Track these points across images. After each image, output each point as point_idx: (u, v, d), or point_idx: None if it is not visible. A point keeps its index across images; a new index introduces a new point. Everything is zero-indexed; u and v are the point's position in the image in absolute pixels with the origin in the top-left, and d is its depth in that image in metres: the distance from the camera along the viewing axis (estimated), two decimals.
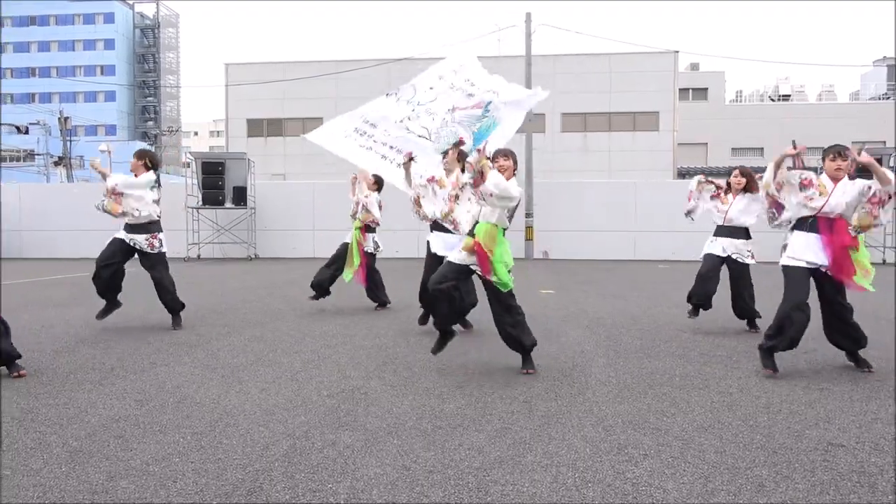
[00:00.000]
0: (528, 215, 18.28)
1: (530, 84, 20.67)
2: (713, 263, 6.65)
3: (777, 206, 4.88)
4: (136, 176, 6.62)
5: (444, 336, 4.94)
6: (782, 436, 3.46)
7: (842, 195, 4.67)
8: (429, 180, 5.71)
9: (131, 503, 2.67)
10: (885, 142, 29.15)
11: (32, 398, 4.16)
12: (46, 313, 7.85)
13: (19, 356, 4.77)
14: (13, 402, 4.06)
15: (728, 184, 6.64)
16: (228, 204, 18.11)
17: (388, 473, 2.95)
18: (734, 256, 6.55)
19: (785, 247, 4.82)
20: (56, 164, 44.60)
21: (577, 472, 2.97)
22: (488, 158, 4.65)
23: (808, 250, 4.68)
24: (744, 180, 6.53)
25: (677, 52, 32.20)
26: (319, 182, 20.75)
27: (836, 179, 4.73)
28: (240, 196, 18.08)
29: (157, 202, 6.69)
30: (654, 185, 19.79)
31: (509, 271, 4.79)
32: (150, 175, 6.65)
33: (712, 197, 6.71)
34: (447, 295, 4.77)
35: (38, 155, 48.23)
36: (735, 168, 6.76)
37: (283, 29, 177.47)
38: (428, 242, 6.65)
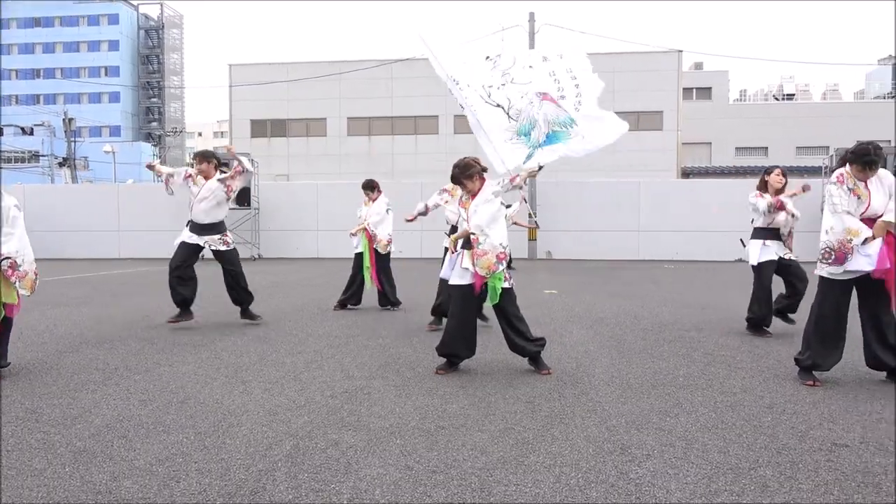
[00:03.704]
0: (532, 215, 18.28)
1: None
2: (772, 273, 6.41)
3: (842, 255, 4.35)
4: (206, 178, 6.86)
5: (452, 363, 4.95)
6: (786, 436, 3.45)
7: (879, 193, 4.35)
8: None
9: (135, 503, 2.68)
10: (889, 141, 29.03)
11: (36, 398, 4.17)
12: (51, 313, 7.87)
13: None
14: (17, 403, 4.08)
15: (764, 182, 6.42)
16: (232, 204, 18.08)
17: (391, 473, 2.95)
18: (786, 256, 6.42)
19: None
20: (60, 165, 44.74)
21: (581, 473, 2.96)
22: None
23: (862, 258, 4.30)
24: (784, 181, 6.40)
25: (681, 51, 32.15)
26: (322, 182, 20.81)
27: (864, 179, 4.38)
28: (243, 196, 18.10)
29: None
30: (659, 184, 19.75)
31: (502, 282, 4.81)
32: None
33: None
34: (463, 337, 4.85)
35: (42, 156, 48.42)
36: (776, 167, 6.53)
37: (286, 30, 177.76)
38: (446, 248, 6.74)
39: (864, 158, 4.33)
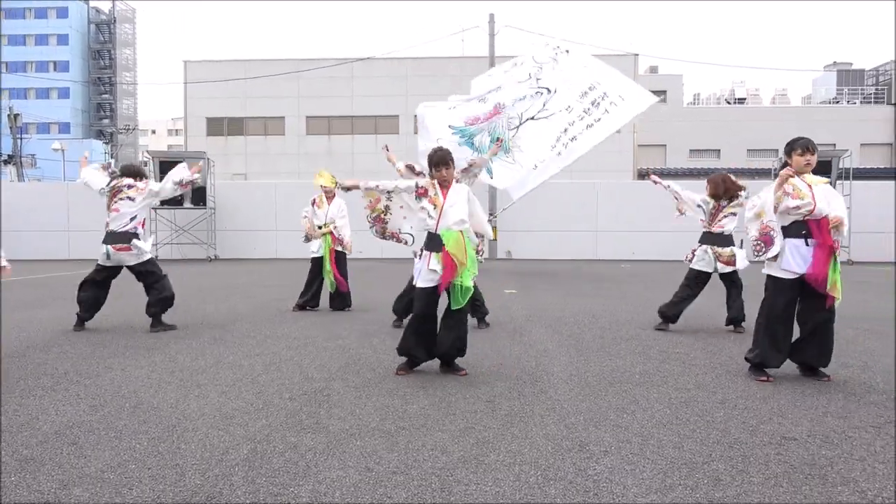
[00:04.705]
0: (492, 215, 18.38)
1: None
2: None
3: (768, 239, 4.52)
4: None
5: (412, 362, 4.87)
6: (738, 430, 3.54)
7: (823, 199, 4.48)
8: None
9: None
10: (835, 144, 30.06)
11: None
12: None
13: None
14: None
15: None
16: (187, 204, 17.78)
17: (351, 475, 2.92)
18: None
19: (775, 256, 4.52)
20: (6, 162, 43.04)
21: (540, 470, 2.99)
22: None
23: (801, 259, 4.44)
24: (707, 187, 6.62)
25: (637, 54, 32.77)
26: (281, 182, 20.55)
27: (803, 174, 4.53)
28: (199, 196, 17.76)
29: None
30: (615, 185, 20.09)
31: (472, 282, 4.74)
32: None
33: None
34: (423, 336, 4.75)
35: None
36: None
37: (243, 27, 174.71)
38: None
39: (800, 141, 4.53)
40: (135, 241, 6.49)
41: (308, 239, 8.19)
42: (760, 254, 4.59)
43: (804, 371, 4.73)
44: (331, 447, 3.27)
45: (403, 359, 4.91)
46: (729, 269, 6.50)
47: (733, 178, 6.64)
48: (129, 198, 6.53)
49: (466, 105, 10.76)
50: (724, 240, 6.51)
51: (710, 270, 6.57)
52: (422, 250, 4.73)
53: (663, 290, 10.75)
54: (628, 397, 4.20)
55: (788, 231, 4.53)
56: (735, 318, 6.60)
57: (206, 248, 18.34)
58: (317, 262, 8.10)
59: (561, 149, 10.55)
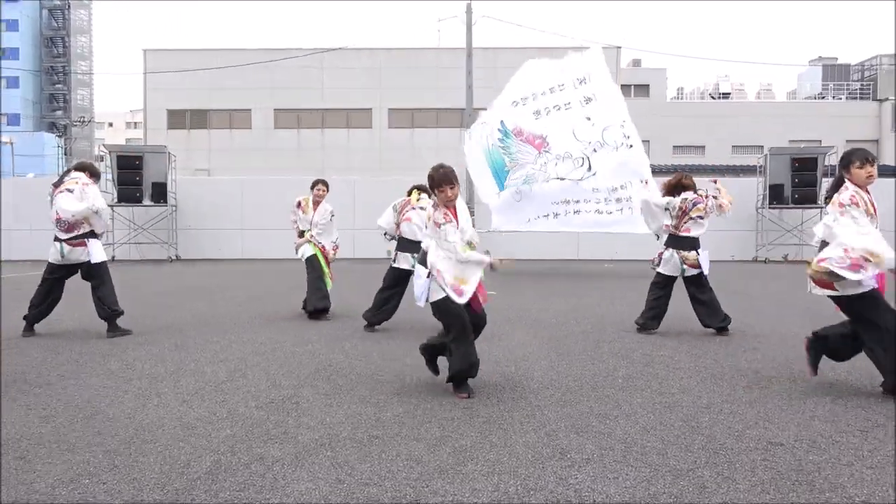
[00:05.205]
0: (471, 214, 18.28)
1: (472, 80, 20.77)
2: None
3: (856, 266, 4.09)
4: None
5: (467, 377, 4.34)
6: (723, 436, 3.48)
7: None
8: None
9: None
10: (820, 141, 30.30)
11: None
12: None
13: None
14: None
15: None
16: (146, 201, 17.25)
17: (321, 488, 2.82)
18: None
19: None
20: None
21: (519, 480, 2.90)
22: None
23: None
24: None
25: (619, 47, 32.44)
26: (248, 178, 20.10)
27: (865, 189, 4.18)
28: (159, 193, 17.25)
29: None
30: None
31: None
32: None
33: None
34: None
35: None
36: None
37: (208, 14, 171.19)
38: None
39: (857, 153, 4.21)
40: (92, 240, 6.26)
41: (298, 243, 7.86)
42: (840, 266, 4.01)
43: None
44: (300, 458, 3.16)
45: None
46: (694, 271, 6.49)
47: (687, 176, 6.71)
48: (69, 189, 6.22)
49: (523, 107, 10.78)
50: (690, 243, 6.51)
51: (675, 274, 6.55)
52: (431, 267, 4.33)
53: (645, 290, 10.75)
54: (611, 402, 4.11)
55: None
56: (721, 326, 6.47)
57: (167, 248, 17.82)
58: (310, 262, 7.63)
59: (560, 212, 10.94)
